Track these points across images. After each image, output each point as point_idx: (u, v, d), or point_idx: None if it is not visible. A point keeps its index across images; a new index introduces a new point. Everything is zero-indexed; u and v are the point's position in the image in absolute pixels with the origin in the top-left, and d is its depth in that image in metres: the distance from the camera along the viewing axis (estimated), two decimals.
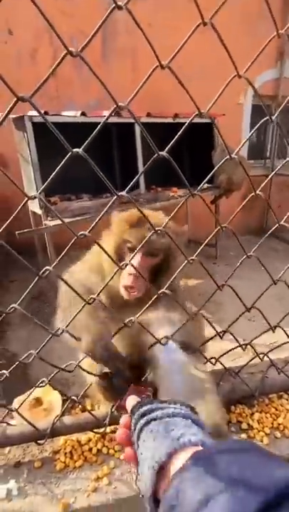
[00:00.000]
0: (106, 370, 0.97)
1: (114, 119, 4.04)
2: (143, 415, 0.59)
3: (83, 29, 4.79)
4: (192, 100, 0.76)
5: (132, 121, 4.34)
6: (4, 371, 1.00)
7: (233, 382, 1.24)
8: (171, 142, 0.79)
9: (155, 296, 0.94)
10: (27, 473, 1.02)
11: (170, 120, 4.67)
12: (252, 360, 1.24)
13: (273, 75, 6.61)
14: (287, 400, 1.29)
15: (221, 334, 1.11)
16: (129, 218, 1.16)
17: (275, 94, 6.72)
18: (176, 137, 0.78)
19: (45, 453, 1.08)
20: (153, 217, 1.12)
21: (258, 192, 0.96)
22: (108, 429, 1.13)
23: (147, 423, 0.57)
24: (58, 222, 3.86)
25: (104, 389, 1.05)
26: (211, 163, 5.20)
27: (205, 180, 0.96)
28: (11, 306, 0.83)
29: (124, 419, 0.64)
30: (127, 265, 0.87)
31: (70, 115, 4.05)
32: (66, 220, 3.81)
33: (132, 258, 1.01)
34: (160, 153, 0.79)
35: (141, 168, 4.58)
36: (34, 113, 3.54)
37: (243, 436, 1.14)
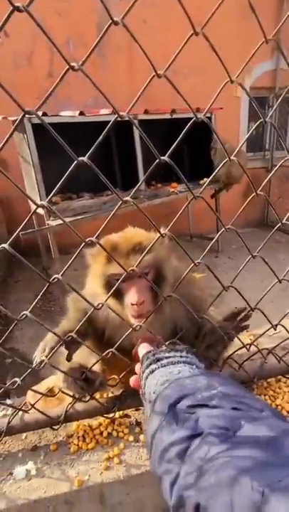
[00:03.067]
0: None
1: (112, 118, 4.09)
2: (150, 364, 0.70)
3: (79, 30, 4.83)
4: (188, 105, 0.81)
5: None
6: (16, 379, 1.07)
7: (232, 369, 1.32)
8: (171, 149, 0.82)
9: (160, 302, 0.99)
10: (43, 456, 1.10)
11: (168, 116, 4.72)
12: (255, 354, 1.31)
13: (270, 67, 6.60)
14: (285, 383, 1.36)
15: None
16: (102, 251, 0.95)
17: (273, 86, 6.72)
18: (175, 143, 0.81)
19: (60, 437, 1.17)
20: (130, 237, 1.10)
21: (258, 192, 1.01)
22: (117, 414, 1.21)
23: (152, 372, 0.69)
24: (61, 222, 3.93)
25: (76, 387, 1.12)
26: (209, 157, 5.24)
27: (206, 183, 1.01)
28: (22, 313, 0.84)
29: (137, 368, 0.79)
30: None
31: (69, 115, 4.10)
32: (68, 220, 3.89)
33: (128, 292, 1.03)
34: (162, 158, 0.80)
35: (140, 165, 4.63)
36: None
37: None
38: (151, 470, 0.58)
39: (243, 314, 1.23)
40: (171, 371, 0.68)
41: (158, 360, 0.73)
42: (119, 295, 1.05)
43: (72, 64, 0.71)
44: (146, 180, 5.00)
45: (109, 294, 0.93)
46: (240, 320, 1.23)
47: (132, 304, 1.02)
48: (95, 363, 1.08)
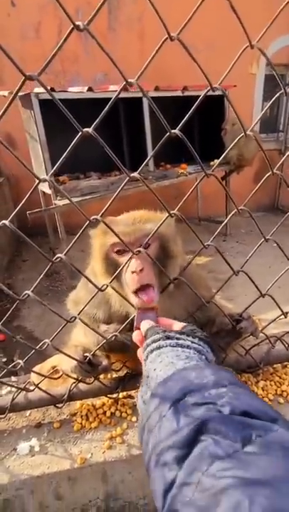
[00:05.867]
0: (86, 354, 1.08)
1: (121, 94, 3.96)
2: (158, 340, 0.68)
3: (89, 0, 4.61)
4: (204, 74, 0.75)
5: (140, 95, 4.24)
6: (19, 361, 1.07)
7: (238, 353, 1.30)
8: (183, 120, 0.77)
9: (169, 283, 0.96)
10: (47, 433, 1.11)
11: (179, 93, 4.54)
12: (263, 341, 1.29)
13: (288, 42, 6.26)
14: None
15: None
16: (104, 226, 0.89)
17: None
18: (187, 115, 0.76)
19: (63, 415, 1.17)
20: (132, 214, 1.06)
21: (275, 171, 0.95)
22: (120, 395, 1.21)
23: (158, 348, 0.67)
24: (68, 201, 3.88)
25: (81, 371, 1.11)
26: (220, 137, 5.08)
27: (218, 162, 0.95)
28: (24, 292, 0.83)
29: (137, 336, 0.77)
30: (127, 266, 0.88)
31: (77, 91, 3.97)
32: (75, 200, 3.84)
33: (129, 259, 0.92)
34: (173, 131, 0.76)
35: (150, 144, 4.51)
36: (41, 90, 3.49)
37: None
38: (145, 464, 0.54)
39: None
40: (178, 355, 0.64)
41: (168, 337, 0.68)
42: (119, 275, 0.96)
43: (77, 23, 0.66)
44: (156, 161, 4.87)
45: (114, 275, 0.90)
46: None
47: (132, 272, 0.92)
48: (98, 347, 1.07)
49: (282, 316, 1.34)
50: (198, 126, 5.64)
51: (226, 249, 5.24)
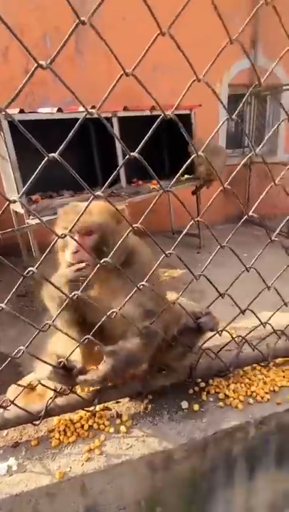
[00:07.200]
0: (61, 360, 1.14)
1: (90, 115, 4.07)
2: None
3: (57, 24, 4.75)
4: (157, 104, 0.84)
5: (110, 115, 4.38)
6: None
7: (210, 359, 1.36)
8: (143, 141, 0.85)
9: (134, 290, 1.03)
10: (25, 451, 1.11)
11: (148, 113, 4.73)
12: (229, 342, 1.37)
13: (248, 64, 6.71)
14: (259, 370, 1.42)
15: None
16: (63, 212, 1.24)
17: (250, 83, 6.85)
18: (146, 137, 0.85)
19: (41, 432, 1.18)
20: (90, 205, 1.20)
21: (226, 185, 1.06)
22: (98, 407, 1.23)
23: None
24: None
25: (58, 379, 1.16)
26: (189, 153, 5.30)
27: (178, 175, 1.06)
28: None
29: None
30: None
31: (47, 112, 4.05)
32: (48, 218, 3.85)
33: (71, 246, 1.12)
34: (131, 154, 0.85)
35: (121, 162, 4.64)
36: (10, 111, 3.53)
37: (220, 404, 1.26)
38: None
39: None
40: None
41: None
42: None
43: (40, 62, 0.72)
44: (128, 177, 5.00)
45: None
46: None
47: (72, 252, 1.13)
48: (73, 350, 1.10)
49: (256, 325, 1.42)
50: (167, 143, 5.86)
51: (200, 261, 5.37)
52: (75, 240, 0.98)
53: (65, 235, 0.90)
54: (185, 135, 0.93)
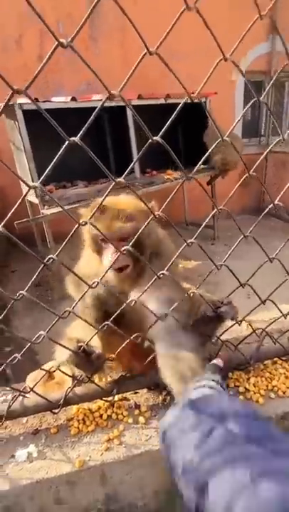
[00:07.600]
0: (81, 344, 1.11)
1: (105, 104, 4.01)
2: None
3: (70, 11, 4.68)
4: (181, 84, 0.80)
5: (123, 104, 4.31)
6: (16, 354, 1.08)
7: (230, 352, 1.34)
8: (164, 127, 0.82)
9: (154, 278, 1.01)
10: (45, 439, 1.12)
11: (162, 101, 4.63)
12: (250, 335, 1.34)
13: (265, 49, 6.48)
14: (281, 364, 1.39)
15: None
16: (91, 212, 1.06)
17: (268, 69, 6.61)
18: (168, 122, 0.81)
19: (60, 421, 1.18)
20: (120, 204, 1.17)
21: (251, 172, 1.00)
22: (116, 397, 1.23)
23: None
24: (55, 210, 3.88)
25: (77, 364, 1.14)
26: (205, 146, 5.18)
27: (199, 164, 1.02)
28: (19, 292, 0.87)
29: None
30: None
31: (61, 101, 4.01)
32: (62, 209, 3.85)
33: (110, 251, 1.12)
34: (154, 138, 0.81)
35: (135, 152, 4.58)
36: (23, 100, 3.50)
37: (241, 398, 1.24)
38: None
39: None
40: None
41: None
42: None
43: (61, 40, 0.69)
44: (142, 168, 4.93)
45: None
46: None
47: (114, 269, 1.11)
48: (93, 336, 1.09)
49: (273, 318, 1.38)
50: (182, 133, 5.75)
51: (215, 253, 5.31)
52: (115, 247, 0.98)
53: (86, 223, 0.87)
54: (210, 117, 0.89)
